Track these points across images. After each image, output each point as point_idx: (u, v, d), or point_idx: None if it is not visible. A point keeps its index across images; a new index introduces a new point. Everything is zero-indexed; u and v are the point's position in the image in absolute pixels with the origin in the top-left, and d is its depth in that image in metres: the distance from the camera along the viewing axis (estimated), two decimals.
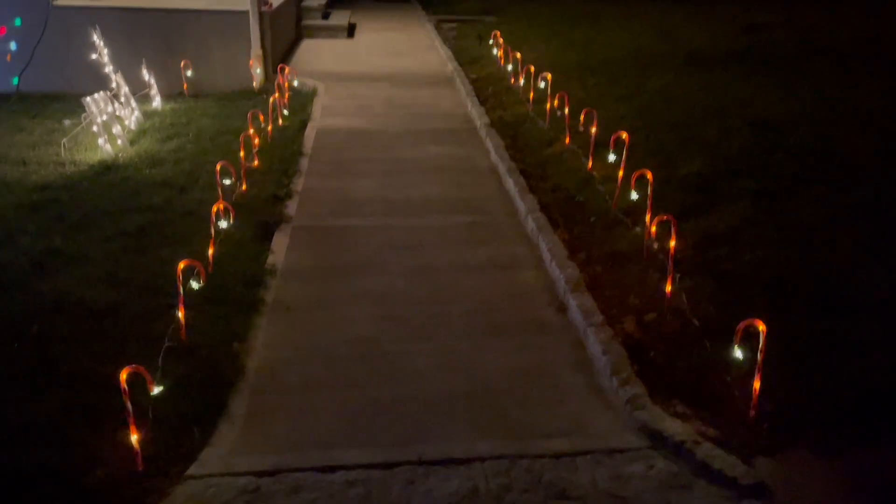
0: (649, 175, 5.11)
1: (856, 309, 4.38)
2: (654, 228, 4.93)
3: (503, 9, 17.25)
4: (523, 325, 4.60)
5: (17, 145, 7.85)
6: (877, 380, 3.78)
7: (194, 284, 4.43)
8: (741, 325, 3.54)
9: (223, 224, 5.34)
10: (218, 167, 5.92)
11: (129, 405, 3.28)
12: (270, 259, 5.38)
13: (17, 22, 9.66)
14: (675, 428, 3.51)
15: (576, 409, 3.80)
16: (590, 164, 6.61)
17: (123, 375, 3.26)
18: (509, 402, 3.86)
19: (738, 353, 3.63)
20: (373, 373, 4.12)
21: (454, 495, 3.21)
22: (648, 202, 5.12)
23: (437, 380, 4.05)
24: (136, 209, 6.11)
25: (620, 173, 5.88)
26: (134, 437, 3.32)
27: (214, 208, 5.18)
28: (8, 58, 9.53)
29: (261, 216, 5.99)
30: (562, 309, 4.75)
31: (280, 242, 5.68)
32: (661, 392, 3.83)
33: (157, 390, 3.45)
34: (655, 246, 4.96)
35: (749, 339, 3.65)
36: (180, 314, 4.22)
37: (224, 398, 3.86)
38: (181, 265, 4.22)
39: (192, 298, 4.44)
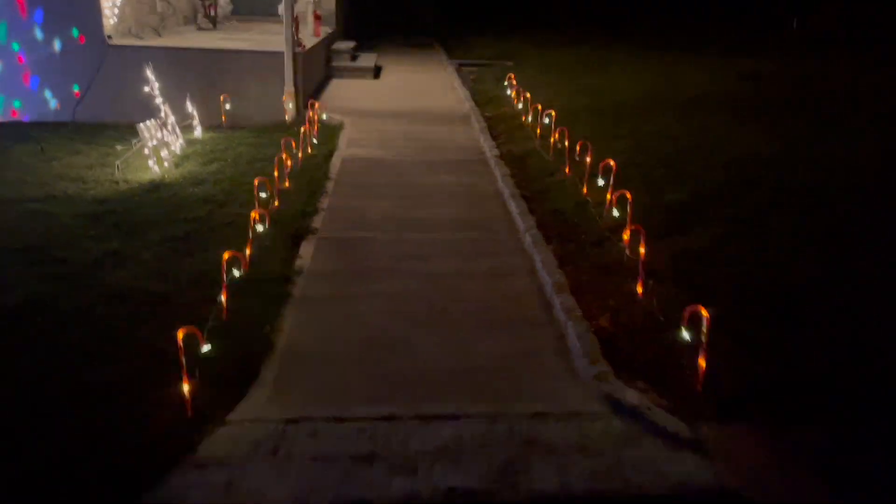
0: (629, 195, 5.86)
1: (806, 314, 5.05)
2: (627, 240, 5.64)
3: (521, 55, 18.28)
4: (515, 320, 5.31)
5: (75, 166, 8.81)
6: (813, 370, 4.44)
7: (236, 272, 5.21)
8: (687, 310, 4.25)
9: (259, 228, 6.13)
10: (256, 182, 6.77)
11: (182, 360, 4.04)
12: (298, 263, 6.17)
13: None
14: (632, 397, 4.19)
15: (552, 385, 4.49)
16: (584, 189, 7.38)
17: (180, 334, 4.02)
18: (496, 376, 4.56)
19: (685, 335, 4.32)
20: (382, 352, 4.85)
21: (445, 440, 3.91)
22: (628, 218, 5.85)
23: (436, 359, 4.77)
24: (181, 220, 6.96)
25: (608, 196, 6.64)
26: (185, 388, 4.07)
27: (253, 214, 6.00)
28: (76, 94, 10.65)
29: (291, 228, 6.80)
30: (548, 308, 5.46)
31: (307, 250, 6.47)
32: (627, 372, 4.51)
33: (205, 348, 4.20)
34: (629, 254, 5.67)
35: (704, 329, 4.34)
36: (223, 297, 5.00)
37: (257, 366, 4.60)
38: (226, 255, 5.02)
39: (231, 289, 5.22)
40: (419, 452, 3.82)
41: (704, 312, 4.15)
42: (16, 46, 10.74)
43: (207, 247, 6.28)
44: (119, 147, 9.45)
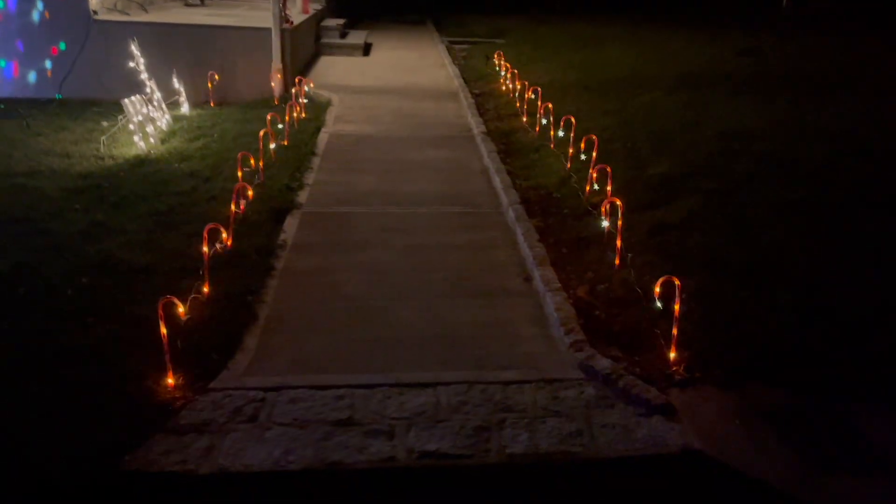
0: (609, 169, 5.92)
1: (776, 282, 5.14)
2: (604, 212, 5.71)
3: (513, 32, 18.24)
4: (493, 290, 5.39)
5: (61, 142, 8.80)
6: (781, 336, 4.54)
7: (218, 247, 5.26)
8: (660, 281, 4.33)
9: (243, 203, 6.18)
10: (240, 156, 6.80)
11: (163, 329, 4.11)
12: (282, 236, 6.22)
13: (62, 46, 10.76)
14: (605, 364, 4.29)
15: (528, 352, 4.58)
16: (568, 165, 7.43)
17: (161, 303, 4.09)
18: (474, 345, 4.65)
19: (658, 304, 4.41)
20: (362, 321, 4.92)
21: (421, 406, 4.00)
22: (608, 192, 5.92)
23: (414, 327, 4.85)
24: (166, 194, 6.99)
25: (591, 171, 6.70)
26: (166, 357, 4.14)
27: (236, 188, 6.04)
28: (48, 73, 10.63)
29: (275, 203, 6.84)
30: (528, 279, 5.54)
31: (291, 224, 6.52)
32: (603, 341, 4.60)
33: (186, 317, 4.26)
34: (607, 225, 5.73)
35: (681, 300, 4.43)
36: (205, 270, 5.05)
37: (239, 335, 4.67)
38: (207, 228, 5.07)
39: (214, 261, 5.28)
40: (396, 419, 3.91)
41: (677, 282, 4.24)
42: None
43: (191, 220, 6.32)
44: (105, 123, 9.44)
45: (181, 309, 4.25)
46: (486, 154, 8.48)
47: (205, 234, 5.10)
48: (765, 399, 4.07)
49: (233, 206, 5.98)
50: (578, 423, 3.88)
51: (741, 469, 3.57)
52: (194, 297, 4.84)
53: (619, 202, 5.33)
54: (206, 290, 5.03)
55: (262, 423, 3.88)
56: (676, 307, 4.24)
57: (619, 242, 5.32)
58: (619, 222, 5.32)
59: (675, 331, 4.29)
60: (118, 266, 5.42)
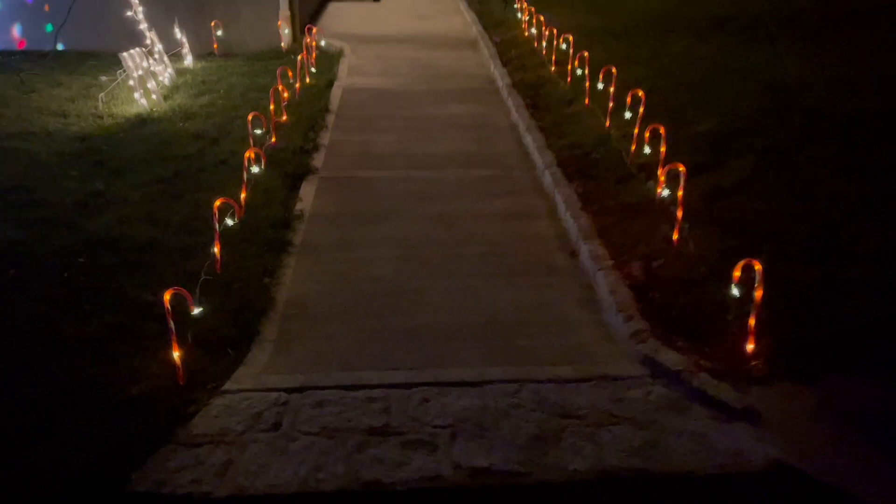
0: (662, 130, 5.30)
1: (849, 257, 4.56)
2: (662, 179, 5.11)
3: None
4: (535, 267, 4.85)
5: (56, 99, 8.20)
6: (863, 318, 3.98)
7: (229, 222, 4.71)
8: (739, 265, 3.77)
9: (255, 170, 5.61)
10: (250, 117, 6.21)
11: (171, 324, 3.60)
12: (298, 205, 5.68)
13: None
14: (673, 359, 3.76)
15: (581, 342, 4.07)
16: (607, 122, 6.80)
17: (167, 296, 3.57)
18: (519, 334, 4.13)
19: (735, 292, 3.85)
20: (392, 306, 4.41)
21: (466, 410, 3.50)
22: (661, 155, 5.31)
23: (451, 313, 4.33)
24: (170, 158, 6.43)
25: (636, 130, 6.07)
26: (176, 354, 3.64)
27: (247, 155, 5.46)
28: (46, 7, 9.93)
29: (289, 167, 6.27)
30: (573, 254, 4.99)
31: (307, 191, 5.96)
32: (664, 328, 4.07)
33: (196, 311, 3.75)
34: (666, 196, 5.15)
35: (749, 280, 3.87)
36: (216, 249, 4.53)
37: (256, 325, 4.17)
38: (217, 203, 4.52)
39: (225, 238, 4.74)
40: (438, 426, 3.42)
41: (757, 266, 3.68)
42: None
43: (199, 188, 5.78)
44: (103, 78, 8.81)
45: (190, 301, 3.73)
46: (514, 109, 7.84)
47: (214, 209, 4.55)
48: (857, 397, 3.55)
49: (244, 175, 5.40)
50: (649, 431, 3.38)
51: (843, 488, 3.08)
52: (205, 281, 4.33)
53: (682, 167, 4.73)
54: (217, 270, 4.51)
55: (286, 432, 3.40)
56: (758, 294, 3.69)
57: (679, 213, 4.73)
58: (681, 192, 4.72)
59: (753, 320, 3.74)
60: (119, 243, 4.90)
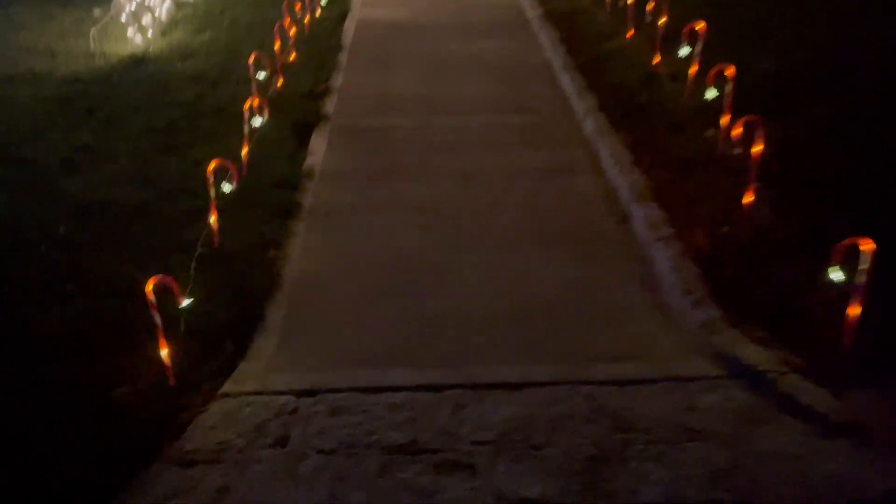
0: (729, 70, 4.55)
1: None
2: (735, 131, 4.37)
3: None
4: (580, 236, 4.21)
5: (45, 35, 7.53)
6: None
7: (227, 187, 4.09)
8: (843, 244, 3.10)
9: (257, 122, 4.94)
10: (252, 59, 5.49)
11: (157, 318, 3.04)
12: (308, 162, 5.04)
13: None
14: (756, 355, 3.15)
15: (640, 332, 3.45)
16: (655, 58, 6.00)
17: (150, 287, 2.99)
18: (565, 321, 3.52)
19: (838, 275, 3.17)
20: (417, 286, 3.80)
21: (509, 421, 2.93)
22: (728, 101, 4.58)
23: (485, 296, 3.72)
24: (166, 104, 5.79)
25: (693, 69, 5.30)
26: (164, 352, 3.09)
27: (248, 104, 4.79)
28: None
29: (297, 114, 5.59)
30: (623, 219, 4.33)
31: (318, 143, 5.31)
32: (738, 315, 3.44)
33: (186, 303, 3.16)
34: (735, 150, 4.42)
35: (846, 260, 3.21)
36: (213, 219, 3.92)
37: (260, 309, 3.60)
38: (212, 166, 3.89)
39: (224, 202, 4.13)
40: (477, 442, 2.85)
41: (867, 245, 3.01)
42: None
43: (196, 140, 5.16)
44: (97, 11, 8.06)
45: (177, 292, 3.14)
46: (547, 44, 7.03)
47: (209, 173, 3.92)
48: None
49: (245, 128, 4.73)
50: (731, 450, 2.78)
51: None
52: (200, 256, 3.74)
53: (754, 117, 4.00)
54: (215, 245, 3.91)
55: (296, 448, 2.85)
56: (865, 279, 3.02)
57: (753, 173, 4.02)
58: (758, 147, 3.99)
59: (857, 310, 3.08)
60: (106, 208, 4.32)
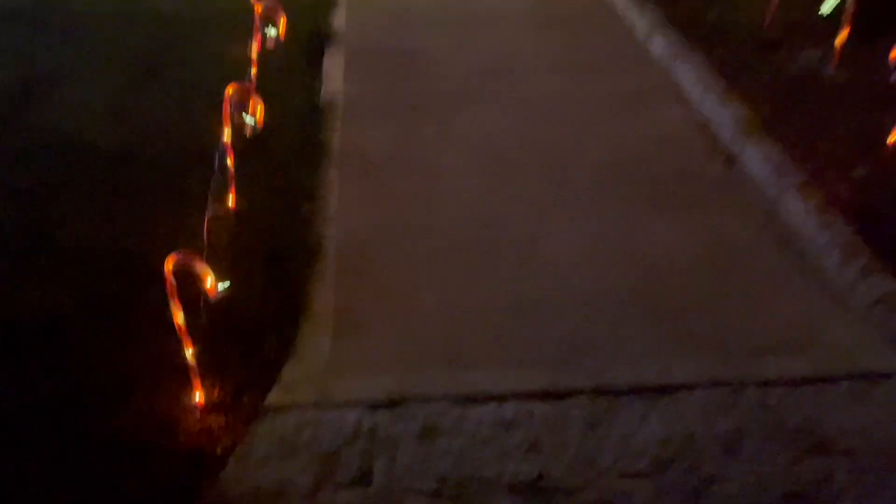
0: None
1: None
2: (840, 42, 3.55)
3: None
4: (680, 185, 3.39)
5: None
6: None
7: (249, 120, 3.11)
8: None
9: (272, 32, 3.85)
10: None
11: (178, 319, 2.18)
12: (325, 89, 4.09)
13: None
14: None
15: (795, 310, 2.71)
16: None
17: (169, 265, 2.11)
18: (700, 298, 2.76)
19: None
20: (498, 256, 2.97)
21: (661, 441, 2.19)
22: (849, 13, 3.73)
23: (581, 268, 2.90)
24: (140, 13, 4.73)
25: None
26: (189, 352, 2.25)
27: (259, 8, 3.71)
28: None
29: (305, 30, 4.57)
30: (729, 161, 3.54)
31: (334, 67, 4.35)
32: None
33: (221, 287, 2.25)
34: (841, 73, 3.61)
35: None
36: (229, 161, 2.99)
37: (302, 286, 2.75)
38: (229, 90, 2.92)
39: (240, 145, 3.19)
40: (627, 476, 2.12)
41: None
42: None
43: (181, 63, 4.15)
44: None
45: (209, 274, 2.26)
46: None
47: (226, 100, 2.95)
48: None
49: (253, 49, 3.71)
50: None
51: None
52: (212, 219, 2.86)
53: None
54: (232, 206, 3.03)
55: (383, 490, 2.09)
56: None
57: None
58: None
59: None
60: (77, 152, 3.38)
